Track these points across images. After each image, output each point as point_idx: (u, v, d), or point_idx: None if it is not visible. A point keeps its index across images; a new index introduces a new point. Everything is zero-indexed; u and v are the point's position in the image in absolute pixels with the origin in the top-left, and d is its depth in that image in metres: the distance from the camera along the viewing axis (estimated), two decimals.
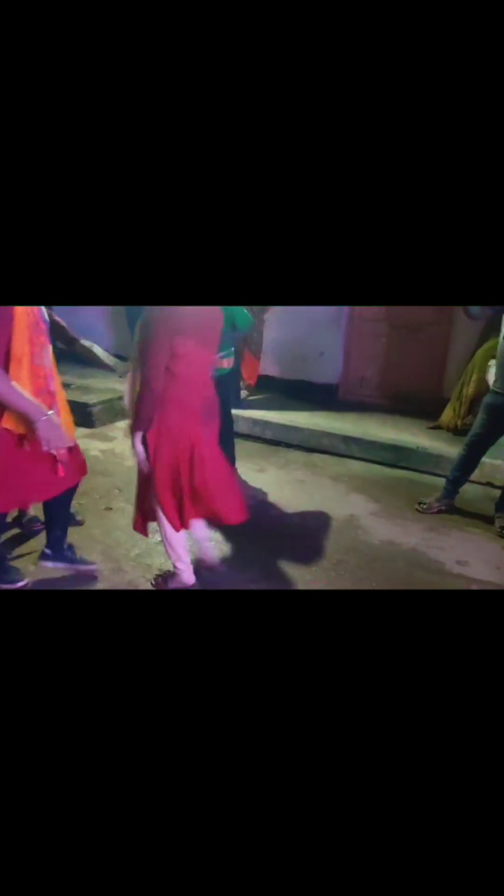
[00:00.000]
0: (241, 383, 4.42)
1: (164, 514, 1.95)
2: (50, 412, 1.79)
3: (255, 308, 3.92)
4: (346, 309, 4.48)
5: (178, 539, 2.03)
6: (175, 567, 2.08)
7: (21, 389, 1.74)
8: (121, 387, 4.44)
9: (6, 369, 1.71)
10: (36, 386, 1.80)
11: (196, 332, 1.81)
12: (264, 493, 3.16)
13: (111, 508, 2.84)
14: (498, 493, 2.92)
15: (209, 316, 1.85)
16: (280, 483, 3.31)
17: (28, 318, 1.75)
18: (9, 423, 1.77)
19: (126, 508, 2.78)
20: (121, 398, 4.38)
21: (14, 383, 1.72)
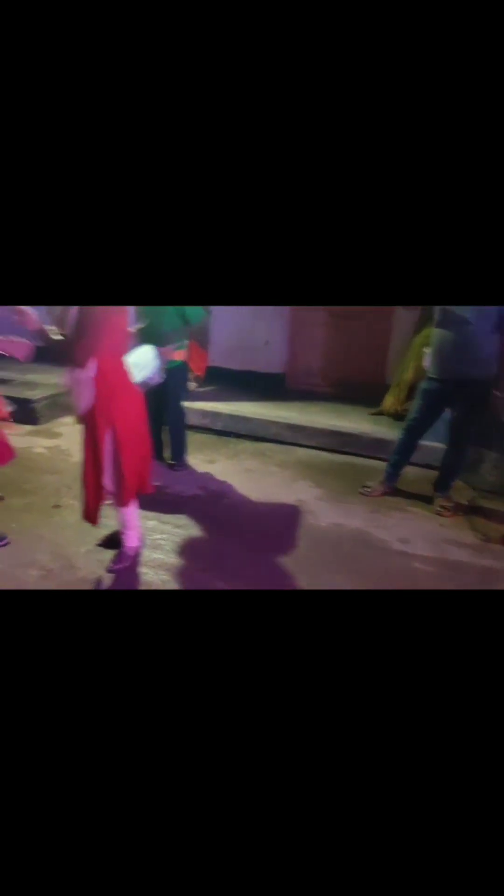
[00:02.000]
0: (190, 375, 4.42)
1: (124, 488, 2.10)
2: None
3: None
4: None
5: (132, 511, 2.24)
6: (126, 535, 2.26)
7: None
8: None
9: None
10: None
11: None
12: (216, 484, 3.21)
13: (59, 506, 2.80)
14: (436, 474, 3.11)
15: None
16: (230, 473, 3.36)
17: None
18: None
19: (75, 505, 2.75)
20: (67, 393, 4.28)
21: None
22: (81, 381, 1.95)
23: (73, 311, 1.90)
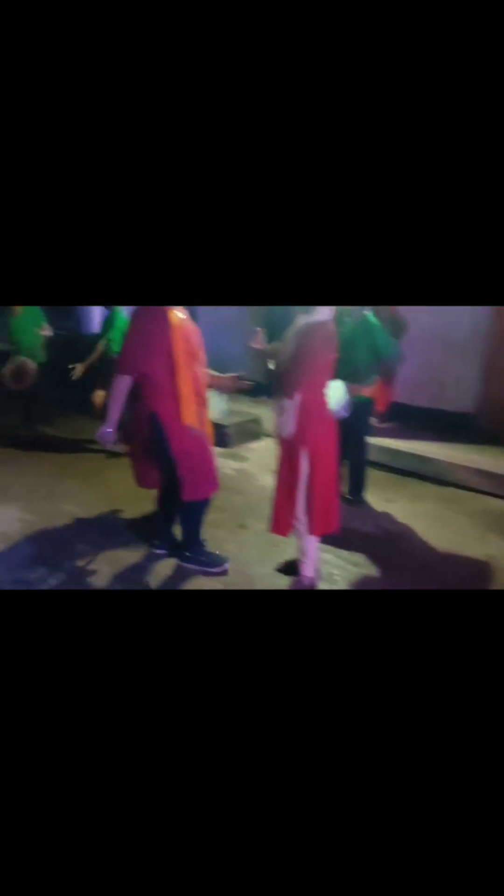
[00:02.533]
0: (373, 410, 4.38)
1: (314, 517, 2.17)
2: (110, 430, 2.18)
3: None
4: (484, 331, 4.23)
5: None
6: (304, 564, 2.30)
7: (121, 398, 2.14)
8: (253, 410, 4.68)
9: (171, 373, 2.10)
10: (195, 389, 2.17)
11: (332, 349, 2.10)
12: (394, 525, 3.09)
13: (245, 526, 3.00)
14: None
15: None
16: (410, 516, 3.20)
17: (182, 332, 2.11)
18: (189, 419, 2.14)
19: (258, 527, 2.92)
20: (254, 420, 4.61)
21: (122, 398, 2.13)
22: (287, 411, 2.09)
23: (290, 345, 2.05)
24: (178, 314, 2.14)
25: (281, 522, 2.27)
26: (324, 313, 2.06)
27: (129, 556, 2.65)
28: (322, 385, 2.13)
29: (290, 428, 2.10)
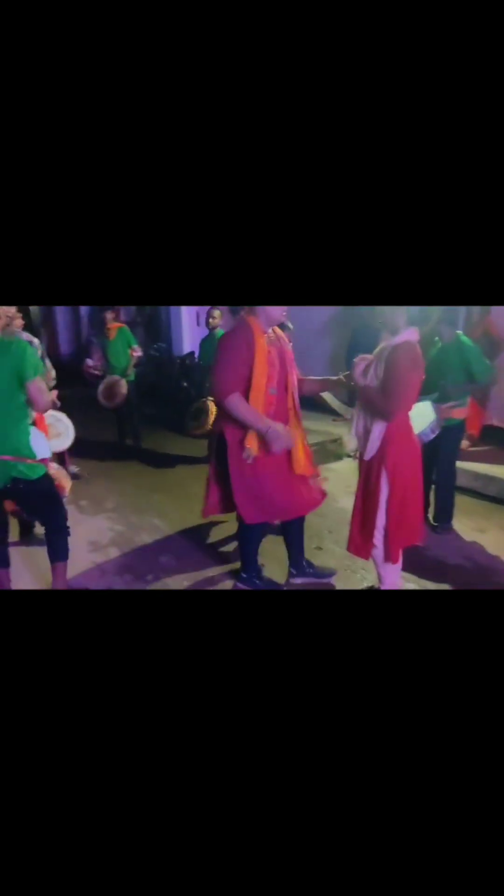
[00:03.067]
0: (464, 433, 4.15)
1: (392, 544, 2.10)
2: (277, 425, 2.08)
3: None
4: None
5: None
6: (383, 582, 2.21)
7: (249, 408, 2.07)
8: (335, 430, 4.63)
9: (246, 395, 2.08)
10: (266, 412, 2.13)
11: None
12: (485, 557, 2.88)
13: (321, 548, 2.96)
14: None
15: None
16: (503, 548, 2.97)
17: (267, 356, 2.10)
18: (251, 443, 2.12)
19: (335, 550, 2.86)
20: (335, 440, 4.56)
21: (248, 405, 2.07)
22: (372, 432, 2.04)
23: (377, 365, 2.01)
24: (266, 338, 2.14)
25: (357, 544, 2.21)
26: (409, 334, 2.00)
27: (207, 570, 2.72)
28: (407, 407, 2.06)
29: (373, 450, 2.05)
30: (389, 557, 2.13)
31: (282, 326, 2.44)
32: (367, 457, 2.09)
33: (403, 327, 1.99)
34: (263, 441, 2.10)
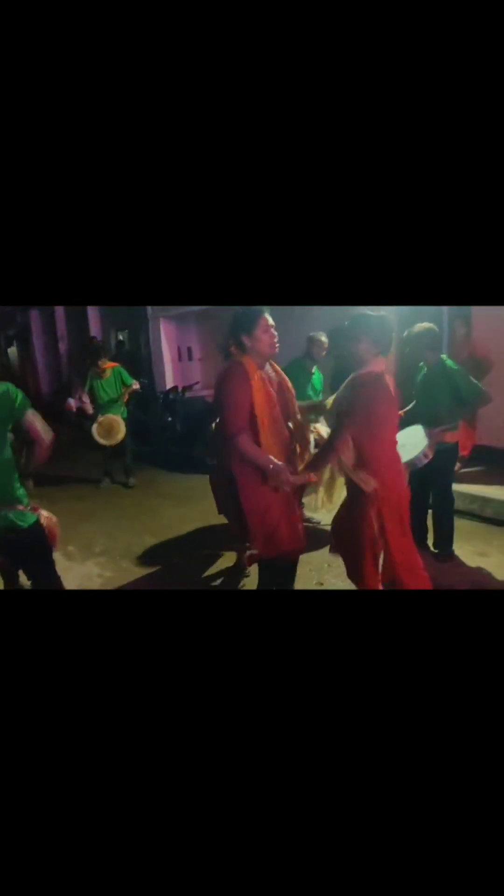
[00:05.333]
0: (457, 456, 4.13)
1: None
2: (279, 463, 2.00)
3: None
4: None
5: None
6: None
7: (255, 448, 2.01)
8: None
9: (254, 431, 2.03)
10: (284, 444, 2.10)
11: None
12: (492, 581, 2.80)
13: (322, 584, 2.85)
14: None
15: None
16: None
17: (266, 395, 2.06)
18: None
19: (336, 584, 2.76)
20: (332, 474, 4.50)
21: (254, 445, 2.01)
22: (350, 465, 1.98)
23: (342, 402, 1.95)
24: (262, 374, 2.11)
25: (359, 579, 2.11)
26: (375, 364, 1.94)
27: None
28: (384, 438, 1.99)
29: (352, 488, 1.99)
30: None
31: (314, 345, 2.42)
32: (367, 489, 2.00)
33: (370, 357, 1.93)
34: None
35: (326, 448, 2.02)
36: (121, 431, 4.54)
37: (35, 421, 1.94)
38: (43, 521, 2.14)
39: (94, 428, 4.51)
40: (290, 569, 2.35)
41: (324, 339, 3.64)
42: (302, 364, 3.61)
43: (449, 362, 2.95)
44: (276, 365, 2.26)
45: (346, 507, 2.10)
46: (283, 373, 2.27)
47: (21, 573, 2.67)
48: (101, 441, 4.53)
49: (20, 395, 1.94)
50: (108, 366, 4.62)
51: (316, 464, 2.07)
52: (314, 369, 3.67)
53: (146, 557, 3.30)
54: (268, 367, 2.16)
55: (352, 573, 2.12)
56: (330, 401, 2.10)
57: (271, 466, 2.00)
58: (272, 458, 2.03)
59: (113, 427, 4.53)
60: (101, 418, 4.52)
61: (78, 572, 3.08)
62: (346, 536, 2.09)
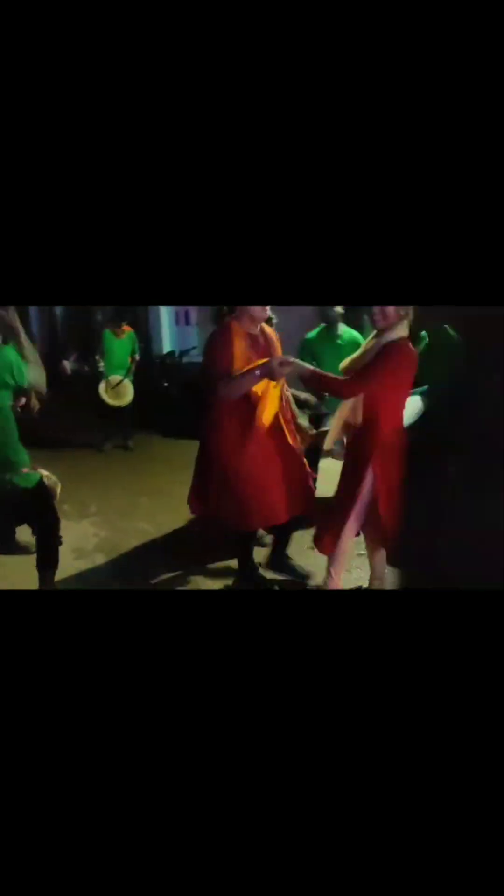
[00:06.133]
0: None
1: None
2: (263, 363, 2.02)
3: None
4: None
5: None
6: (331, 576, 2.14)
7: (235, 379, 2.01)
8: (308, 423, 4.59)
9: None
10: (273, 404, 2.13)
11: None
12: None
13: (315, 548, 2.90)
14: None
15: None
16: None
17: (246, 356, 2.08)
18: (267, 418, 2.09)
19: None
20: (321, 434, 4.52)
21: (234, 379, 2.01)
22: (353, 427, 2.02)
23: (362, 362, 1.96)
24: (249, 337, 2.10)
25: (325, 541, 2.15)
26: (401, 329, 1.95)
27: (196, 575, 2.64)
28: (397, 406, 2.02)
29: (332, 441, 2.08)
30: (388, 552, 2.10)
31: (267, 320, 2.41)
32: (326, 447, 2.10)
33: (396, 319, 1.93)
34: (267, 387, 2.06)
35: (346, 383, 2.02)
36: (129, 394, 4.52)
37: (34, 390, 1.98)
38: (45, 479, 2.18)
39: (102, 386, 4.45)
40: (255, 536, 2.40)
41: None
42: (323, 335, 3.44)
43: (451, 332, 2.93)
44: (269, 329, 2.26)
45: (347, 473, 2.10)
46: (275, 339, 2.27)
47: (17, 532, 2.72)
48: (109, 401, 4.47)
49: (24, 366, 1.95)
50: (127, 329, 4.59)
51: (328, 384, 2.09)
52: (341, 330, 3.42)
53: (141, 517, 3.35)
54: (259, 331, 2.15)
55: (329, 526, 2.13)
56: (346, 363, 2.10)
57: (258, 371, 1.99)
58: (254, 367, 2.00)
59: (122, 388, 4.50)
60: (110, 378, 4.47)
61: (74, 531, 3.13)
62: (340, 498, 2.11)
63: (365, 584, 2.39)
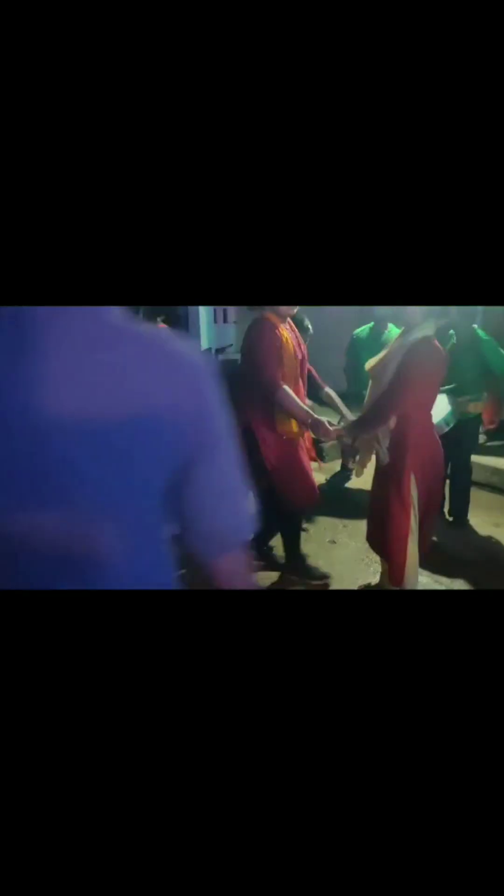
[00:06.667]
0: (480, 428, 4.10)
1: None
2: (315, 416, 2.15)
3: None
4: None
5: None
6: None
7: (296, 400, 2.17)
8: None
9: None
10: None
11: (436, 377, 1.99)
12: (500, 551, 2.86)
13: (335, 542, 2.97)
14: None
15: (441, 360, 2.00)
16: None
17: (293, 348, 2.23)
18: (282, 428, 2.22)
19: (349, 544, 2.87)
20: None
21: (296, 398, 2.17)
22: (384, 432, 2.03)
23: (391, 365, 1.97)
24: (286, 329, 2.22)
25: (378, 541, 2.17)
26: (425, 329, 1.96)
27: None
28: (428, 406, 2.03)
29: (391, 452, 2.03)
30: (419, 559, 2.08)
31: (301, 328, 2.50)
32: (385, 460, 2.05)
33: (421, 318, 1.94)
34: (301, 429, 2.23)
35: (377, 414, 2.01)
36: None
37: None
38: None
39: None
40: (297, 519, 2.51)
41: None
42: (371, 333, 3.50)
43: (480, 332, 2.92)
44: (293, 324, 2.35)
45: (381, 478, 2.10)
46: (298, 332, 2.39)
47: None
48: None
49: None
50: (161, 326, 4.70)
51: (362, 426, 2.08)
52: (387, 329, 3.44)
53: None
54: (288, 325, 2.27)
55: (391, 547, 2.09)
56: (373, 362, 2.12)
57: (310, 420, 2.12)
58: (310, 411, 2.15)
59: None
60: None
61: None
62: (381, 509, 2.08)
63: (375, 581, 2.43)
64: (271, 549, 2.70)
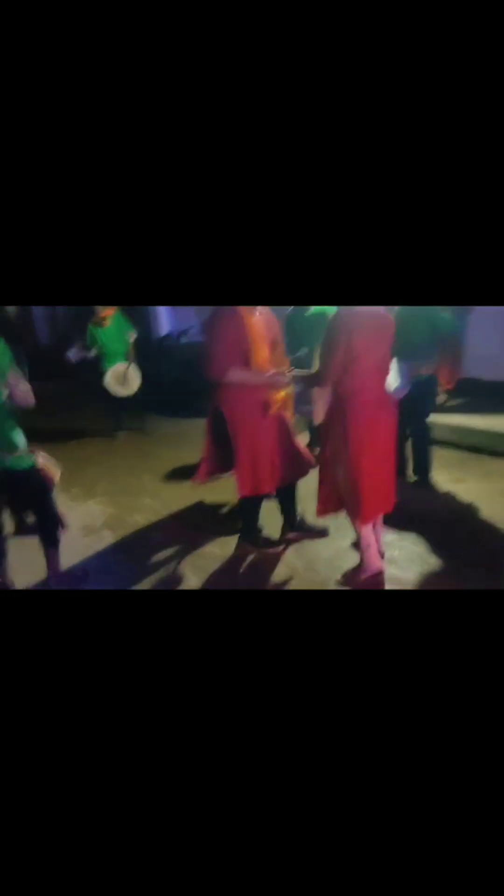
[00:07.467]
0: (437, 388, 4.22)
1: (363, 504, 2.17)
2: (272, 372, 2.27)
3: (458, 308, 3.69)
4: None
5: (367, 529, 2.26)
6: (364, 554, 2.29)
7: (245, 372, 2.25)
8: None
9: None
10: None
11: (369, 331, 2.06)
12: (461, 505, 3.01)
13: (303, 511, 3.07)
14: None
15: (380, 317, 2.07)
16: (480, 495, 3.09)
17: (263, 330, 2.29)
18: (279, 407, 2.34)
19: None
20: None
21: (244, 371, 2.25)
22: (321, 396, 2.15)
23: (332, 335, 2.05)
24: (254, 312, 2.26)
25: (325, 507, 2.34)
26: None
27: (201, 546, 2.84)
28: (374, 367, 2.10)
29: (319, 416, 2.21)
30: (361, 517, 2.20)
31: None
32: (316, 422, 2.23)
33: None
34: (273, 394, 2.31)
35: (318, 373, 2.14)
36: (137, 379, 4.47)
37: (16, 385, 2.06)
38: (40, 462, 2.33)
39: (108, 379, 4.40)
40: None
41: None
42: (296, 311, 3.50)
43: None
44: (267, 310, 2.39)
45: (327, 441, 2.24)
46: (273, 318, 2.43)
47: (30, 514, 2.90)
48: (120, 392, 4.46)
49: (8, 355, 2.06)
50: (107, 313, 4.39)
51: (307, 379, 2.29)
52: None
53: (144, 495, 3.54)
54: (258, 311, 2.30)
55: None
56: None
57: (267, 376, 2.24)
58: (263, 372, 2.25)
59: (129, 376, 4.45)
60: (113, 368, 4.42)
61: (82, 510, 3.34)
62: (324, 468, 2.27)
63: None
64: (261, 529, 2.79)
